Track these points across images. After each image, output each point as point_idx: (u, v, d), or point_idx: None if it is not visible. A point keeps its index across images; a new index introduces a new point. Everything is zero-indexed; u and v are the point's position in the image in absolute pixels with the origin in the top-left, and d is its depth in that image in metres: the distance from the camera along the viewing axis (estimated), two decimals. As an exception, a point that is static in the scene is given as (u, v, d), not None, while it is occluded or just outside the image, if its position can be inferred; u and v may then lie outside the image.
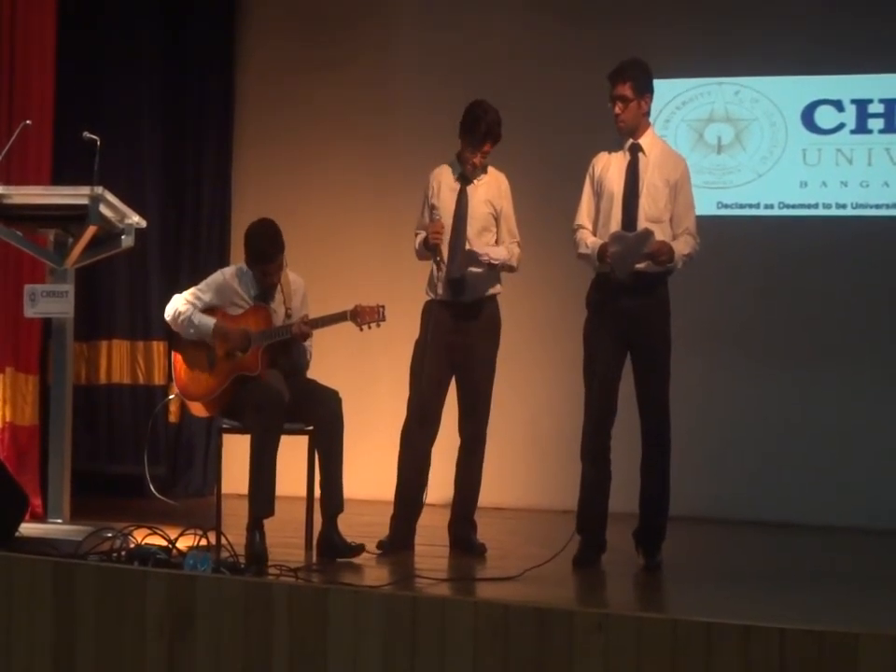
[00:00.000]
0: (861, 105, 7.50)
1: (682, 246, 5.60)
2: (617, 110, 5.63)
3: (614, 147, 5.74)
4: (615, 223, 5.59)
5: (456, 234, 5.91)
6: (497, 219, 5.99)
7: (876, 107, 7.47)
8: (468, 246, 5.89)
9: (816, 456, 7.33)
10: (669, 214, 5.65)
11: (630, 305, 5.55)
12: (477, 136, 5.88)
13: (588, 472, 5.65)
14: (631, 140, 5.69)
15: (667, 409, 5.63)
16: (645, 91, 5.68)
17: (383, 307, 5.74)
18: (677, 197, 5.67)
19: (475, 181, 5.97)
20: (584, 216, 5.74)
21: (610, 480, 5.67)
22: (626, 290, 5.55)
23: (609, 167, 5.70)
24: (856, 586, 5.49)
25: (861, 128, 7.51)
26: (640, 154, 5.67)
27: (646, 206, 5.61)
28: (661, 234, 5.57)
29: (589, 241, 5.65)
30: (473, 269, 5.86)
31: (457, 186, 5.99)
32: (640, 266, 5.53)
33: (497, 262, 5.84)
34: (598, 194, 5.71)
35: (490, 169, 6.04)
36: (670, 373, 5.64)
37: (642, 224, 5.56)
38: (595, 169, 5.74)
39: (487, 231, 5.97)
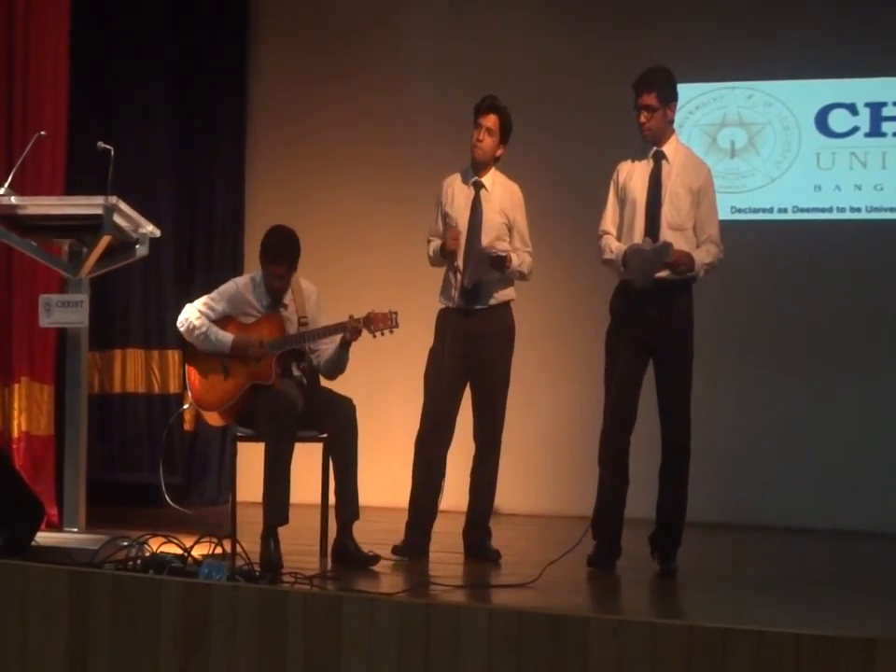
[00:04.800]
0: (875, 108, 7.50)
1: (704, 255, 5.58)
2: (643, 119, 5.61)
3: (634, 155, 5.71)
4: (638, 231, 5.58)
5: (471, 242, 5.90)
6: (510, 229, 5.99)
7: (891, 110, 7.47)
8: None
9: (829, 462, 7.32)
10: (692, 221, 5.63)
11: (652, 313, 5.54)
12: (481, 108, 5.91)
13: (606, 478, 5.65)
14: (655, 147, 5.67)
15: (688, 416, 5.61)
16: (670, 100, 5.66)
17: (395, 314, 5.73)
18: (699, 204, 5.64)
19: (488, 187, 5.96)
20: (609, 222, 5.73)
21: (628, 486, 5.67)
22: (649, 298, 5.53)
23: (633, 174, 5.68)
24: (871, 591, 5.47)
25: (876, 131, 7.51)
26: (664, 161, 5.65)
27: (668, 214, 5.59)
28: (684, 242, 5.56)
29: (613, 246, 5.64)
30: (486, 276, 5.85)
31: (471, 193, 5.98)
32: (661, 274, 5.52)
33: (504, 254, 5.82)
34: (622, 201, 5.69)
35: (504, 179, 6.03)
36: (692, 381, 5.63)
37: (665, 232, 5.55)
38: (620, 176, 5.73)
39: (501, 240, 5.95)
